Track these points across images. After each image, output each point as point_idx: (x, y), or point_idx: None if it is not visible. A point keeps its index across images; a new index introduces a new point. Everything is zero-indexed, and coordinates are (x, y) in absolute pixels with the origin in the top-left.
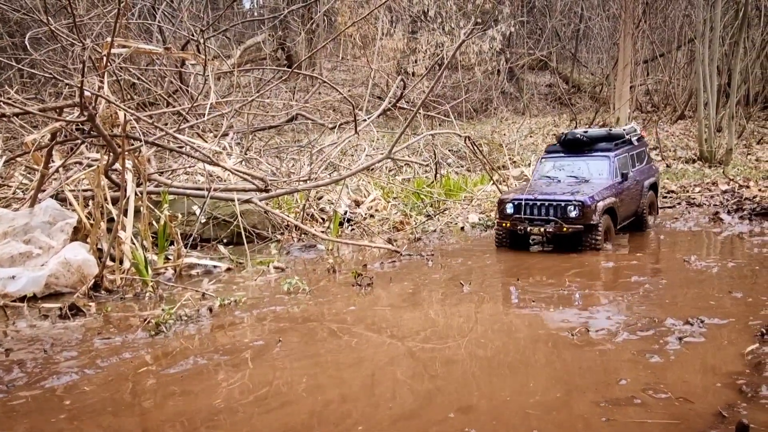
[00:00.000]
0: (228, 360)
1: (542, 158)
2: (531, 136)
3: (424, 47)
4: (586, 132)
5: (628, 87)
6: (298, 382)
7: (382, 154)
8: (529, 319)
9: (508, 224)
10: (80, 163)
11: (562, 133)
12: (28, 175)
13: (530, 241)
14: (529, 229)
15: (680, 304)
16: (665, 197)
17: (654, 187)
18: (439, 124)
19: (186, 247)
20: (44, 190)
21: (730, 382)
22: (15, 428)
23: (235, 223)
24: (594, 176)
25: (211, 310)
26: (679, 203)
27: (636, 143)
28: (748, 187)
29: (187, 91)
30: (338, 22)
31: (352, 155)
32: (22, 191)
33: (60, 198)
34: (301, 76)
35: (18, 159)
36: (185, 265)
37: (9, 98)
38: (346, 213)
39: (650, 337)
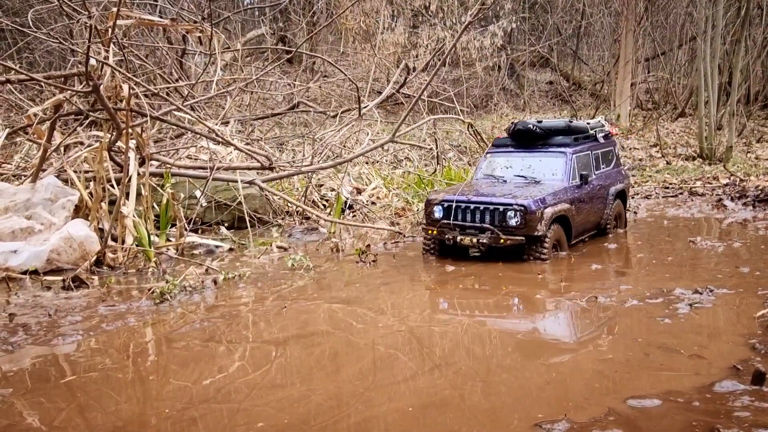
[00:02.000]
0: (232, 324)
1: (487, 152)
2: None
3: (425, 42)
4: (540, 122)
5: (629, 84)
6: (298, 344)
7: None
8: (538, 289)
9: (435, 231)
10: (81, 143)
11: (512, 122)
12: (25, 157)
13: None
14: (459, 238)
15: (687, 278)
16: (667, 188)
17: (622, 195)
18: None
19: (187, 231)
20: (45, 170)
21: (743, 342)
22: (22, 383)
23: (235, 205)
24: (546, 177)
25: (215, 282)
26: (681, 193)
27: (602, 141)
28: (749, 181)
29: (188, 77)
30: (338, 12)
31: (354, 145)
32: (21, 169)
33: (60, 179)
34: (301, 68)
35: (20, 132)
36: (187, 244)
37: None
38: (347, 200)
39: (659, 304)
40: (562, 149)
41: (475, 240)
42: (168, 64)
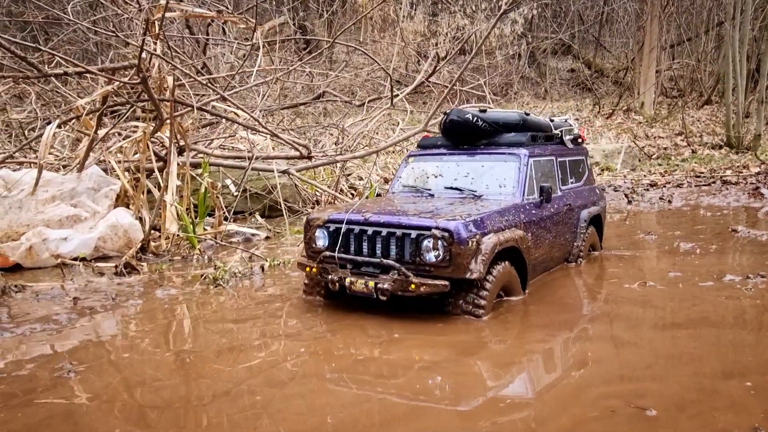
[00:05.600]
0: (280, 307)
1: (410, 155)
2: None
3: (445, 30)
4: (484, 112)
5: (654, 72)
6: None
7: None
8: (597, 272)
9: (315, 269)
10: (119, 134)
11: (445, 113)
12: (61, 148)
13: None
14: (349, 281)
15: (734, 265)
16: (698, 177)
17: (597, 222)
18: (468, 101)
19: (229, 219)
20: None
21: None
22: (91, 361)
23: (267, 194)
24: (491, 189)
25: (263, 268)
26: (714, 181)
27: (571, 146)
28: None
29: (212, 68)
30: (358, 3)
31: (378, 134)
32: (59, 159)
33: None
34: (321, 58)
35: (69, 124)
36: (225, 232)
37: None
38: (375, 189)
39: (711, 287)
40: (514, 150)
41: (372, 284)
42: (204, 55)
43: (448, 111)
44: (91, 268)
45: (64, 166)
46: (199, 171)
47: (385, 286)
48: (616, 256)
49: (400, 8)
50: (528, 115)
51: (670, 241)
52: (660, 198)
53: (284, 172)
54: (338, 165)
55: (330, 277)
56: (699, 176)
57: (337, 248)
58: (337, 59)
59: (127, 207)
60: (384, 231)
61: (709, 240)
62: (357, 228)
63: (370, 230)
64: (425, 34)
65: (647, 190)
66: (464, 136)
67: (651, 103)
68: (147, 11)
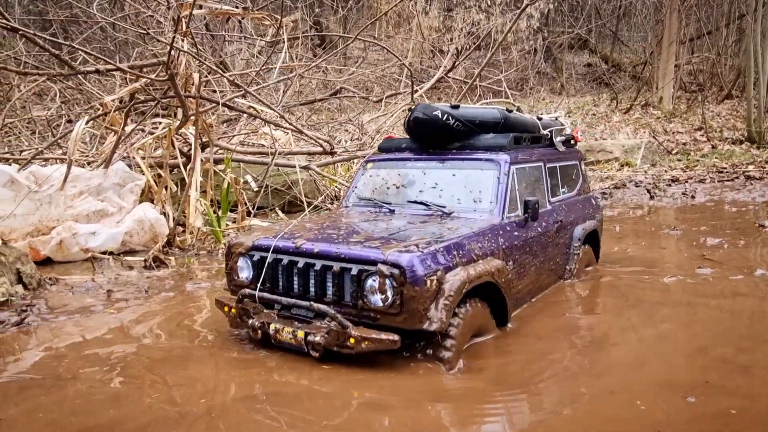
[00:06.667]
0: None
1: (367, 160)
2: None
3: (460, 25)
4: (456, 108)
5: (673, 66)
6: None
7: None
8: (623, 285)
9: (234, 309)
10: (142, 130)
11: (410, 109)
12: (83, 145)
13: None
14: (274, 328)
15: (761, 260)
16: (721, 172)
17: (593, 238)
18: (484, 97)
19: (252, 215)
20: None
21: None
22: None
23: (286, 190)
24: (463, 204)
25: None
26: (737, 177)
27: (562, 149)
28: None
29: (231, 65)
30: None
31: (398, 128)
32: (84, 155)
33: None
34: (338, 55)
35: (97, 120)
36: (247, 227)
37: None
38: None
39: (742, 280)
40: (493, 156)
41: (301, 334)
42: (223, 52)
43: (414, 106)
44: (120, 261)
45: (89, 162)
46: (221, 166)
47: (317, 339)
48: (617, 273)
49: (415, 3)
50: (511, 111)
51: (696, 236)
52: (683, 193)
53: (305, 167)
54: (357, 161)
55: (251, 322)
56: (722, 171)
57: (261, 282)
58: (351, 55)
59: (151, 202)
60: (318, 264)
61: (735, 235)
62: (286, 258)
63: (301, 262)
64: (440, 30)
65: (669, 185)
66: (432, 137)
67: (670, 98)
68: (175, 9)
